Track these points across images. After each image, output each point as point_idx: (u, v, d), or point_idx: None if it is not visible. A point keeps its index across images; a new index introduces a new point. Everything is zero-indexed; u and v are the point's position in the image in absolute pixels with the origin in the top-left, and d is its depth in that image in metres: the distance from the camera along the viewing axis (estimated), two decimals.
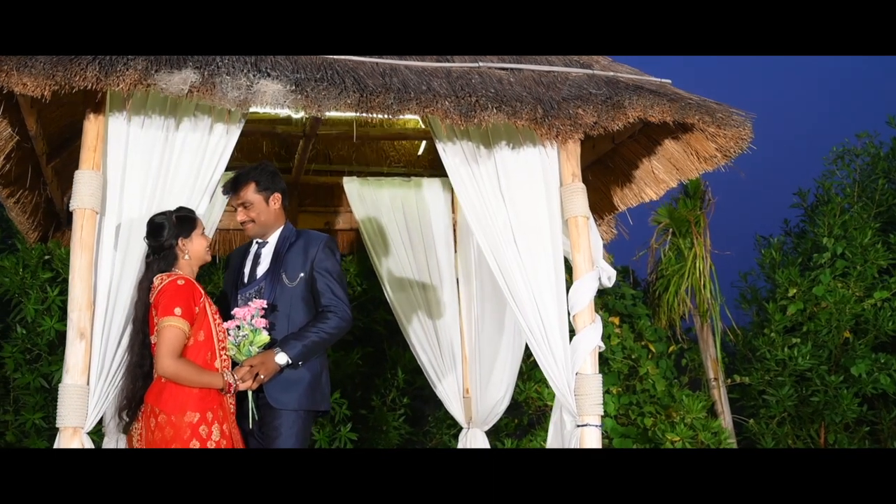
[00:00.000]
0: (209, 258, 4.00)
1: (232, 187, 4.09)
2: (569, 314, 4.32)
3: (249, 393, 3.82)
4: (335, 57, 4.07)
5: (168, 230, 3.84)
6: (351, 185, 6.42)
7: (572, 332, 4.30)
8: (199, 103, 4.00)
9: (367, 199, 6.42)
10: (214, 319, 3.81)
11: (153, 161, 4.08)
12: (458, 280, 6.33)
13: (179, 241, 3.85)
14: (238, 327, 3.77)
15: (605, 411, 7.14)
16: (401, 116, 3.84)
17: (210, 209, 4.45)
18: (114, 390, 3.84)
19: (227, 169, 6.34)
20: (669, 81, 4.45)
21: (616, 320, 7.51)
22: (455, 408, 6.22)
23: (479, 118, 3.89)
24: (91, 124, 3.98)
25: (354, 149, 6.62)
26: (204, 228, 3.98)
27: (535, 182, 4.39)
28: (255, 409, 3.85)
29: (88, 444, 3.75)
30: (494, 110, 3.90)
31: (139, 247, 3.97)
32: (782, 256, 8.51)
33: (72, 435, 3.72)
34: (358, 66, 4.00)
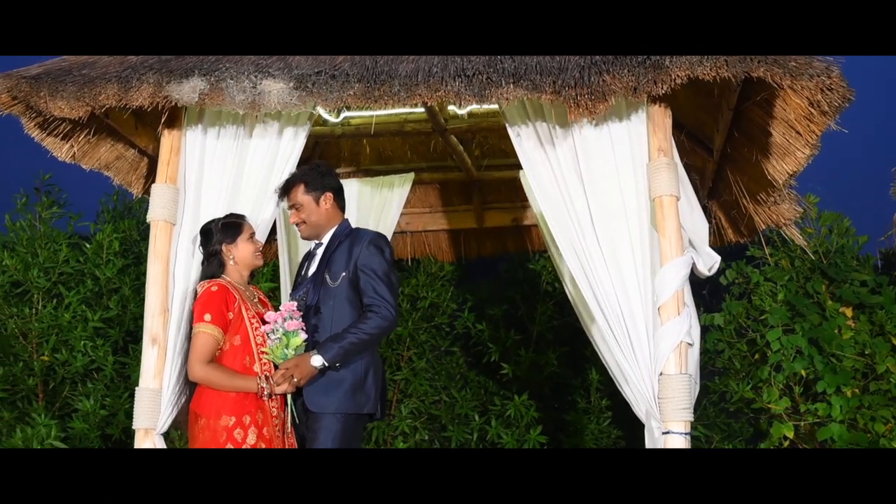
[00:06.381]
0: (259, 262, 4.02)
1: (283, 190, 4.09)
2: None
3: (288, 396, 3.79)
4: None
5: (215, 237, 3.93)
6: (527, 179, 6.20)
7: None
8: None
9: None
10: (251, 324, 3.82)
11: (227, 171, 4.21)
12: None
13: (224, 247, 3.92)
14: (273, 331, 3.76)
15: (830, 415, 6.30)
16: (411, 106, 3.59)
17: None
18: (185, 394, 4.00)
19: (410, 171, 6.42)
20: None
21: (849, 311, 6.52)
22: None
23: (496, 96, 3.54)
24: (165, 139, 4.19)
25: None
26: (253, 233, 4.01)
27: (620, 160, 3.93)
28: (295, 412, 3.82)
29: (161, 444, 3.94)
30: (511, 86, 3.51)
31: None
32: None
33: (144, 435, 3.93)
34: (377, 59, 3.80)
